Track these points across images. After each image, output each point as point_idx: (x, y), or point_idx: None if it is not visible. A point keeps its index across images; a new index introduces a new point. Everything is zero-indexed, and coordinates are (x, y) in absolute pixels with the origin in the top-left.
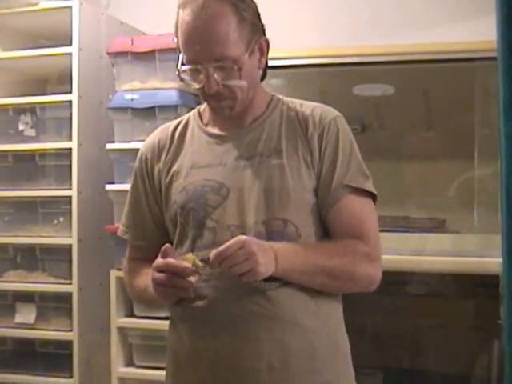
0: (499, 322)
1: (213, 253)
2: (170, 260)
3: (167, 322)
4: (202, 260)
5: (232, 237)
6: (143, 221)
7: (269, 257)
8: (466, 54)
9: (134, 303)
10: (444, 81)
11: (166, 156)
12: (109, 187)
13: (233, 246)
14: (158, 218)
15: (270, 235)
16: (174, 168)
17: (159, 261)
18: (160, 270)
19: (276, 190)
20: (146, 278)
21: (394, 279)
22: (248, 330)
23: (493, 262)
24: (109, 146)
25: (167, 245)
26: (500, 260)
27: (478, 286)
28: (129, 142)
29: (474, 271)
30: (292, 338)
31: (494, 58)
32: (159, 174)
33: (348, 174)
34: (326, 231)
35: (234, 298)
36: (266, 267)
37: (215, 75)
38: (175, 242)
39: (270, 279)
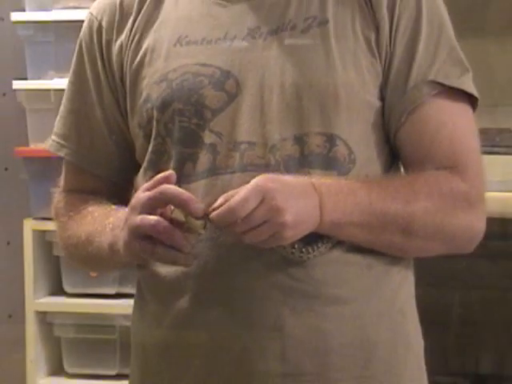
0: None
1: (216, 212)
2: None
3: (119, 303)
4: (199, 216)
5: (244, 162)
6: (92, 130)
7: (306, 208)
8: None
9: (65, 272)
10: None
11: (134, 23)
12: (18, 85)
13: (248, 202)
14: (118, 125)
15: (307, 161)
16: (147, 43)
17: (155, 191)
18: (149, 210)
19: (317, 86)
20: (93, 221)
21: (496, 231)
22: (265, 314)
23: None
24: (16, 15)
25: (170, 171)
26: None
27: None
28: (50, 9)
29: None
30: (335, 327)
31: None
32: (121, 52)
33: (436, 63)
34: (394, 158)
35: (244, 262)
36: (297, 227)
37: None
38: (145, 166)
39: (310, 239)
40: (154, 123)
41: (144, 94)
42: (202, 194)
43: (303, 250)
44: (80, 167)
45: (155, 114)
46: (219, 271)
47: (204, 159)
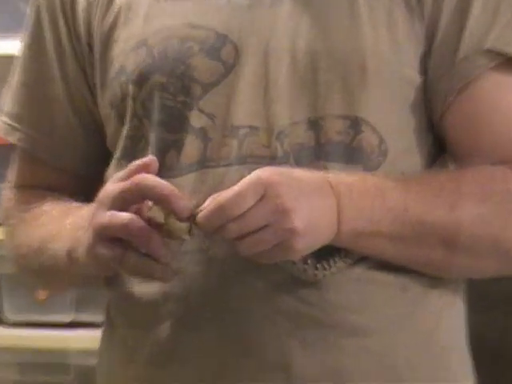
0: None
1: (203, 212)
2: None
3: (75, 335)
4: (185, 217)
5: (242, 152)
6: (52, 109)
7: (321, 212)
8: None
9: (5, 293)
10: None
11: None
12: None
13: (245, 198)
14: (85, 103)
15: (324, 151)
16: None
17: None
18: (121, 205)
19: (338, 54)
20: (48, 223)
21: None
22: (268, 347)
23: None
24: None
25: (150, 157)
26: None
27: None
28: None
29: None
30: (356, 364)
31: None
32: (89, 9)
33: (495, 28)
34: (440, 151)
35: (241, 281)
36: (309, 236)
37: None
38: (118, 155)
39: (324, 251)
40: (130, 101)
41: (117, 64)
42: (187, 192)
43: (317, 266)
44: (36, 157)
45: (131, 89)
46: (209, 293)
47: (191, 148)
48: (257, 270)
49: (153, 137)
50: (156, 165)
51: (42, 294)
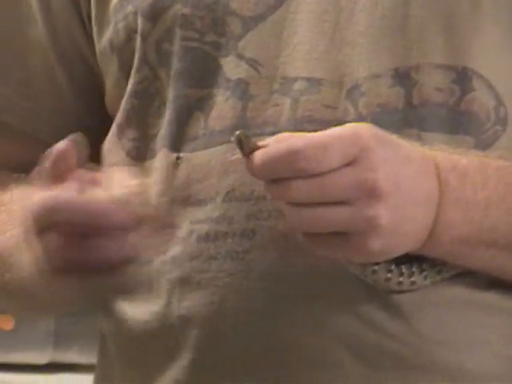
0: None
1: (264, 150)
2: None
3: (53, 380)
4: None
5: (298, 114)
6: (30, 58)
7: (417, 206)
8: None
9: None
10: None
11: None
12: None
13: (333, 151)
14: (78, 49)
15: (418, 116)
16: None
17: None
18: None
19: None
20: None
21: None
22: None
23: None
24: None
25: (71, 138)
26: None
27: None
28: None
29: None
30: None
31: None
32: None
33: None
34: None
35: (293, 297)
36: (390, 241)
37: None
38: (120, 121)
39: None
40: (139, 42)
41: None
42: (216, 170)
43: (403, 269)
44: (7, 125)
45: (141, 23)
46: (244, 315)
47: (225, 108)
48: (317, 281)
49: (171, 94)
50: (73, 146)
51: (6, 323)
